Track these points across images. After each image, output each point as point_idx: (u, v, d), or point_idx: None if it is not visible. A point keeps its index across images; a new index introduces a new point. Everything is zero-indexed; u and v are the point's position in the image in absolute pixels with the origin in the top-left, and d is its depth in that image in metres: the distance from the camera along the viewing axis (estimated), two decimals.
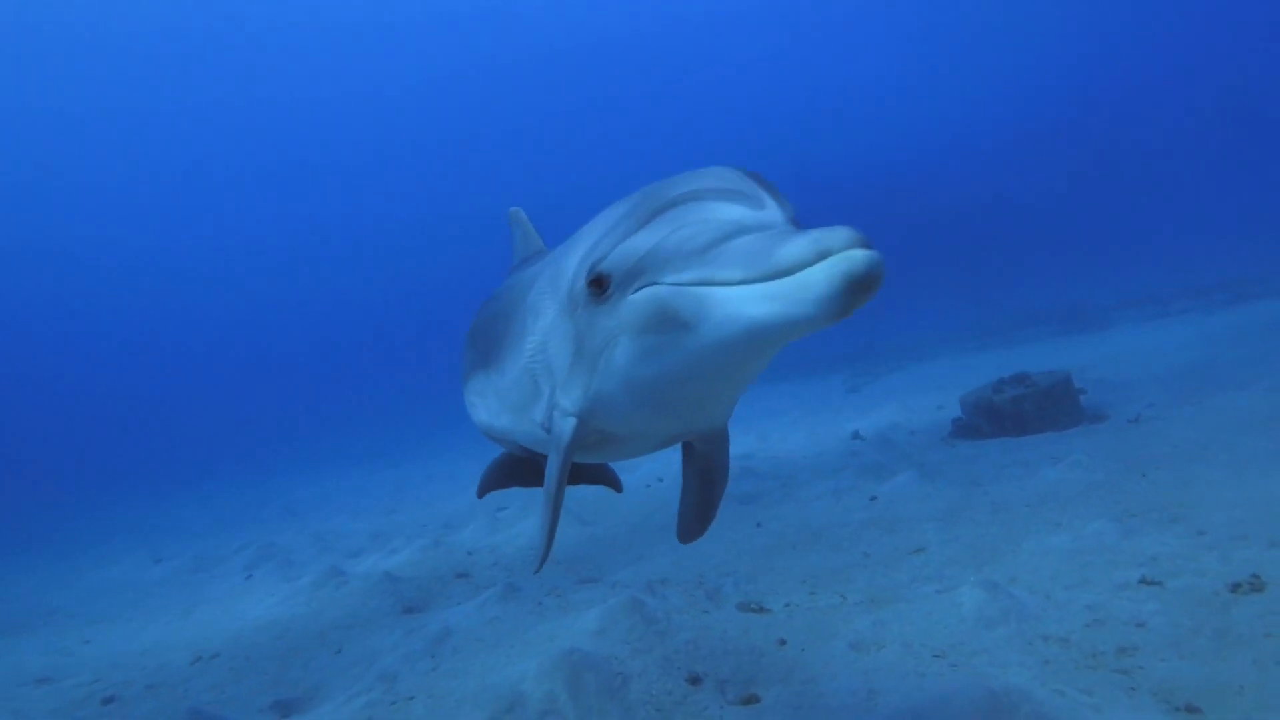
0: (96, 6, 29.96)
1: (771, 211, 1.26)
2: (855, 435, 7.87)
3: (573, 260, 1.56)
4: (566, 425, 1.64)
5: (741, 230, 1.18)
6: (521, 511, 7.01)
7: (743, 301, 1.09)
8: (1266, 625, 2.61)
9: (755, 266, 1.06)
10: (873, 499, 5.23)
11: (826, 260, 0.98)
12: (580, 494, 7.56)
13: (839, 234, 0.99)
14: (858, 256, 0.97)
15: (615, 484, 3.51)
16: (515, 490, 3.55)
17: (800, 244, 1.01)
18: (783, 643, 3.16)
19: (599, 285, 1.38)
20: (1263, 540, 3.20)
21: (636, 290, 1.30)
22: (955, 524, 4.38)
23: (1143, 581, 3.08)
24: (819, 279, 0.98)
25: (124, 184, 39.74)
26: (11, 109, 33.07)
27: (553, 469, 1.68)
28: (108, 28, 30.64)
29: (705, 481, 2.10)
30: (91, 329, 49.76)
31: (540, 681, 2.83)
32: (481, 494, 3.08)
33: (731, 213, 1.23)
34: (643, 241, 1.29)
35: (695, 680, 2.90)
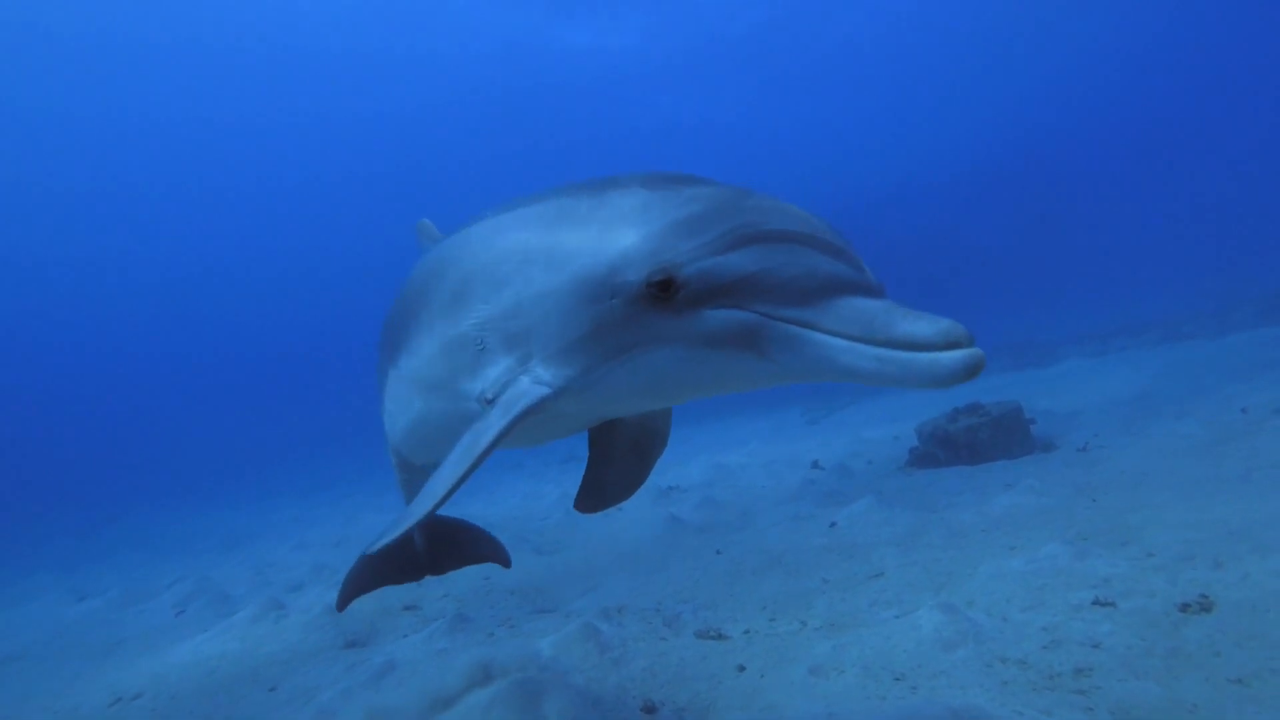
0: (95, 13, 29.35)
1: (870, 278, 1.34)
2: (814, 465, 7.90)
3: (594, 243, 1.47)
4: (535, 391, 1.57)
5: (850, 289, 1.27)
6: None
7: (844, 352, 1.21)
8: (1215, 644, 2.64)
9: (876, 330, 1.19)
10: (832, 525, 5.22)
11: (960, 351, 1.13)
12: (537, 525, 7.40)
13: (963, 330, 1.16)
14: (981, 356, 1.14)
15: (503, 557, 3.41)
16: (473, 518, 3.44)
17: (931, 328, 1.16)
18: (742, 669, 3.08)
19: (665, 289, 1.35)
20: (1208, 561, 3.27)
21: (717, 308, 1.32)
22: (913, 549, 4.38)
23: (1096, 603, 3.10)
24: (951, 364, 1.13)
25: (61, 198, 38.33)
26: (13, 112, 31.90)
27: (492, 429, 1.55)
28: (108, 31, 30.00)
29: (641, 449, 2.06)
30: (20, 348, 47.24)
31: (489, 712, 2.68)
32: (343, 605, 2.87)
33: (839, 270, 1.30)
34: (738, 265, 1.31)
35: (651, 709, 2.78)
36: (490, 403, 1.64)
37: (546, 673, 3.07)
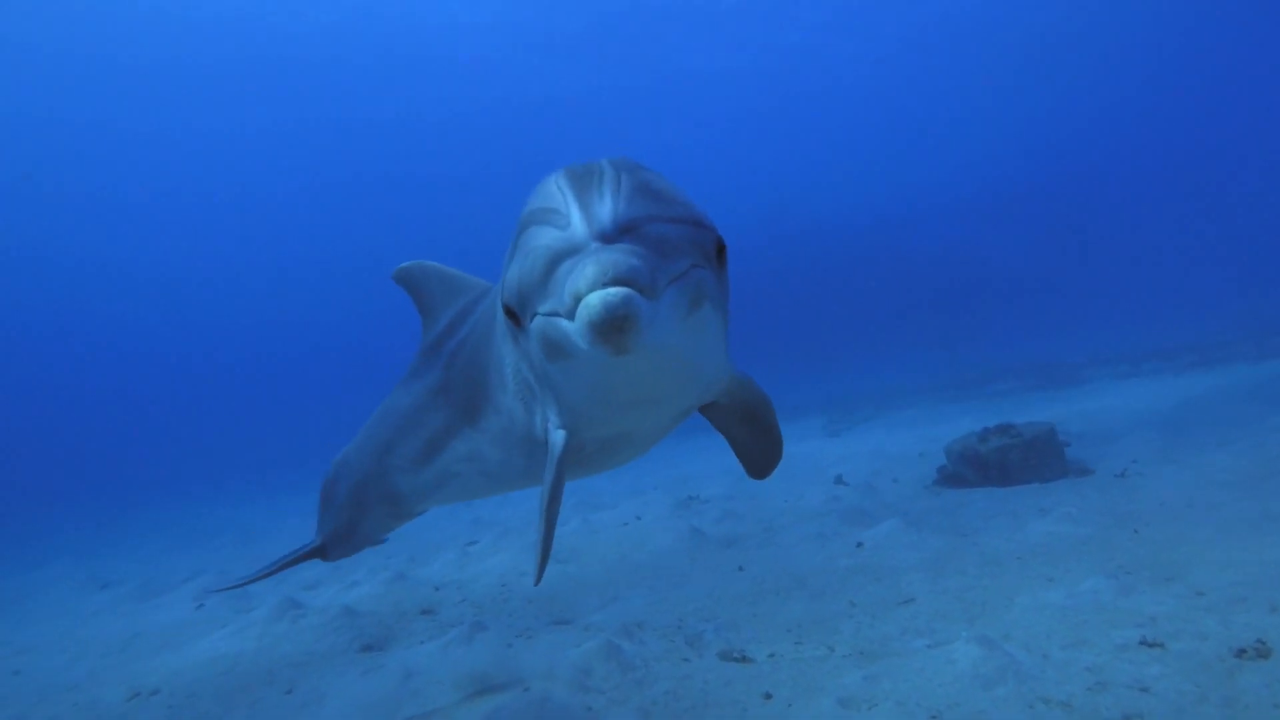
0: (95, 18, 30.06)
1: (575, 230, 1.14)
2: (838, 480, 7.76)
3: None
4: (557, 438, 1.62)
5: (560, 255, 1.14)
6: (493, 546, 6.74)
7: (576, 334, 1.07)
8: (1275, 694, 2.49)
9: (561, 303, 1.07)
10: (859, 546, 5.09)
11: (580, 309, 0.98)
12: (556, 532, 7.33)
13: (585, 272, 0.98)
14: (594, 303, 0.96)
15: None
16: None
17: (564, 287, 1.01)
18: (768, 697, 2.97)
19: (512, 317, 1.36)
20: (1263, 604, 3.11)
21: (531, 320, 1.27)
22: (944, 575, 4.25)
23: (1143, 643, 2.96)
24: (578, 331, 0.99)
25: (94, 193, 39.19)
26: (15, 116, 32.77)
27: (547, 481, 1.63)
28: (111, 33, 30.68)
29: (750, 420, 2.06)
30: (38, 343, 48.24)
31: None
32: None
33: (548, 238, 1.17)
34: (511, 274, 1.27)
35: None
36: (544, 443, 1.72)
37: (568, 691, 2.99)
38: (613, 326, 0.95)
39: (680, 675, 3.24)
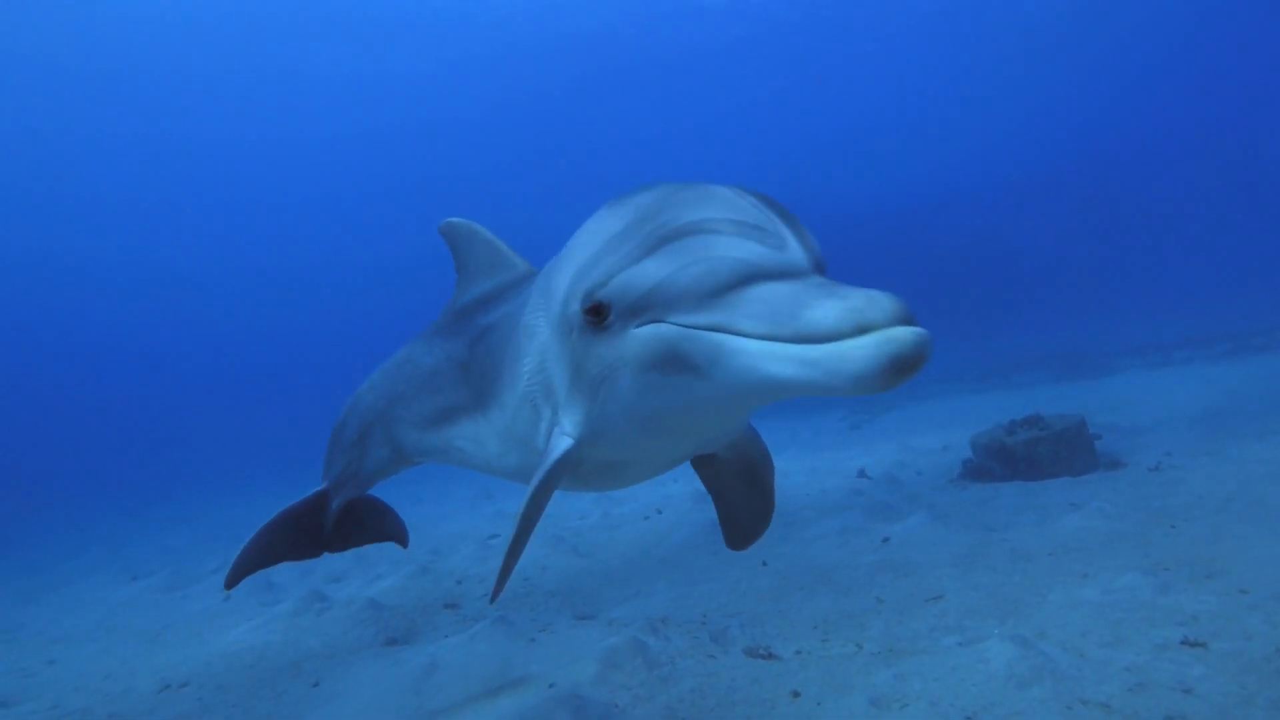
0: (106, 16, 30.57)
1: (794, 253, 1.14)
2: (860, 474, 7.67)
3: (564, 279, 1.42)
4: (560, 444, 1.53)
5: (761, 275, 1.09)
6: None
7: (763, 358, 1.01)
8: None
9: (781, 324, 0.98)
10: (885, 540, 5.01)
11: (868, 337, 0.88)
12: (575, 525, 7.32)
13: (881, 305, 0.90)
14: (904, 338, 0.88)
15: (403, 537, 3.48)
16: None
17: (836, 311, 0.92)
18: (796, 695, 2.93)
19: (597, 313, 1.27)
20: None
21: (641, 325, 1.19)
22: (973, 571, 4.16)
23: (1185, 643, 2.87)
24: (857, 356, 0.89)
25: (121, 195, 40.01)
26: (20, 120, 33.48)
27: (534, 484, 1.54)
28: (116, 38, 31.16)
29: (749, 478, 1.99)
30: (72, 339, 49.49)
31: None
32: (232, 583, 3.01)
33: (750, 252, 1.12)
34: (649, 273, 1.18)
35: None
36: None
37: (593, 688, 2.97)
38: (912, 366, 0.89)
39: (706, 672, 3.20)
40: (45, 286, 44.63)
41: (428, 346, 2.54)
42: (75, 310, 47.77)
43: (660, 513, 7.11)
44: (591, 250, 1.33)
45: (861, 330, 0.89)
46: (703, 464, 1.99)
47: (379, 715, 3.23)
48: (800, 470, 8.89)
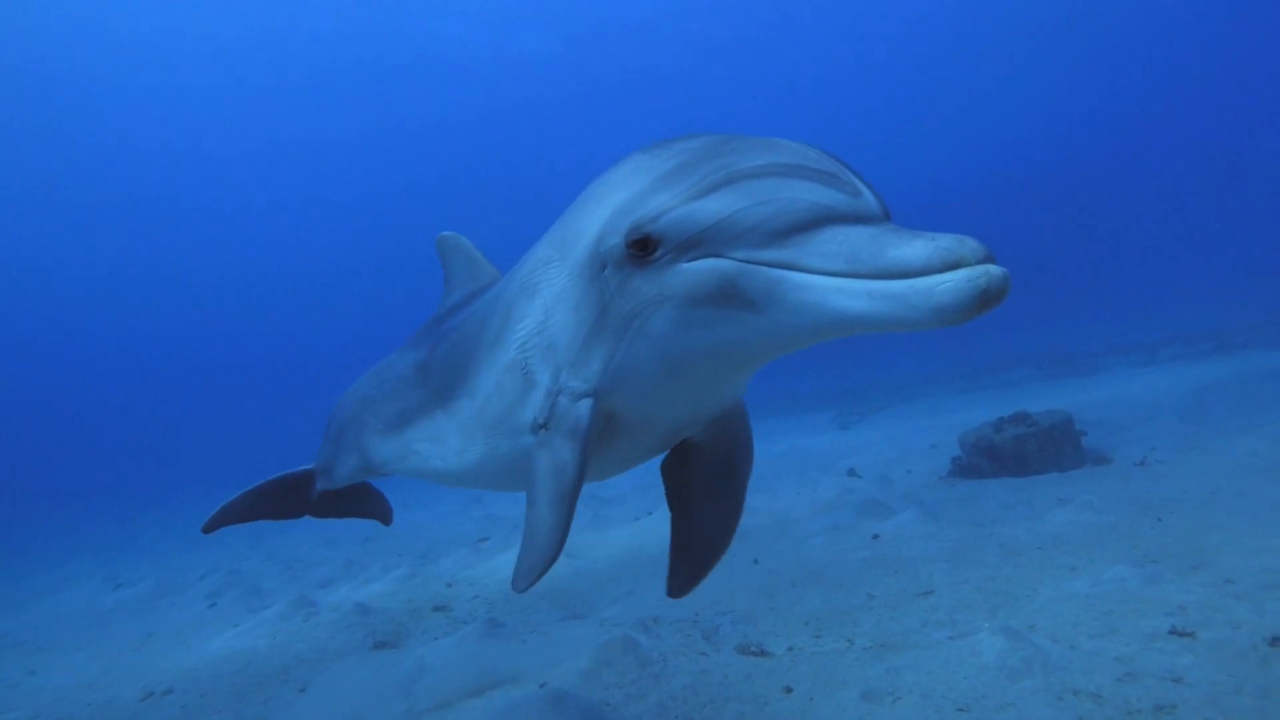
0: (113, 19, 30.41)
1: (869, 201, 1.17)
2: (851, 472, 7.68)
3: (595, 219, 1.41)
4: (582, 407, 1.48)
5: (838, 218, 1.12)
6: (504, 542, 6.72)
7: (830, 293, 1.06)
8: None
9: (861, 262, 1.03)
10: (875, 537, 5.02)
11: (959, 271, 0.95)
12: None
13: (971, 245, 0.97)
14: (995, 273, 0.95)
15: (386, 515, 3.46)
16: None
17: (926, 249, 0.98)
18: (789, 690, 2.92)
19: (644, 247, 1.26)
20: None
21: (694, 259, 1.19)
22: (963, 566, 4.17)
23: (1173, 632, 2.89)
24: (948, 289, 0.95)
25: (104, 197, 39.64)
26: (19, 121, 33.18)
27: (570, 461, 1.48)
28: (123, 43, 31.01)
29: (725, 469, 1.89)
30: (63, 346, 48.94)
31: None
32: (211, 528, 3.04)
33: (825, 197, 1.14)
34: (711, 209, 1.18)
35: None
36: (543, 427, 1.55)
37: (585, 687, 2.95)
38: (997, 298, 0.96)
39: (698, 670, 3.19)
40: (34, 293, 44.17)
41: (401, 353, 2.57)
42: (65, 317, 47.39)
43: (650, 514, 7.09)
44: (634, 189, 1.33)
45: (951, 267, 0.95)
46: (674, 465, 1.91)
47: (367, 718, 3.18)
48: (791, 468, 8.90)
